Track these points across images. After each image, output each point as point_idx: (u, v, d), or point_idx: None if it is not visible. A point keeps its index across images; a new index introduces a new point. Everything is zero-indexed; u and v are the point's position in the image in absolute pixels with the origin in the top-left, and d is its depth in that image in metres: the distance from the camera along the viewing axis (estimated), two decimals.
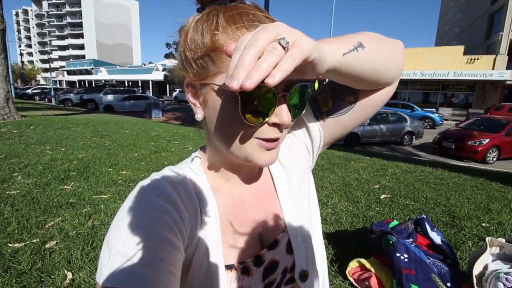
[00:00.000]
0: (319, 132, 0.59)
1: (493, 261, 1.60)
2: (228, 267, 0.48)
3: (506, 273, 1.44)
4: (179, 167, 0.52)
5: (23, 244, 2.36)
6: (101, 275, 0.35)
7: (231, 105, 0.41)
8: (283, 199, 0.56)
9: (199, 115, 0.48)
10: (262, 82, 0.31)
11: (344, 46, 0.42)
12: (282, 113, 0.41)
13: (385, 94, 0.56)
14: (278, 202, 0.56)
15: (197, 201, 0.48)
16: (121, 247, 0.37)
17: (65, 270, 2.08)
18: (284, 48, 0.31)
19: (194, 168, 0.52)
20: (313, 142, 0.61)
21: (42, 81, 71.72)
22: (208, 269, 0.45)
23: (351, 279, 1.96)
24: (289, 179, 0.58)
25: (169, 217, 0.41)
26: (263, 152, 0.45)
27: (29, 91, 29.24)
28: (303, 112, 0.47)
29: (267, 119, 0.41)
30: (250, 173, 0.55)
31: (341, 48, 0.41)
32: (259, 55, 0.30)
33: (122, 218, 0.40)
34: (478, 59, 20.82)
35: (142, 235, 0.38)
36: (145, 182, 0.46)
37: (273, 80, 0.29)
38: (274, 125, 0.43)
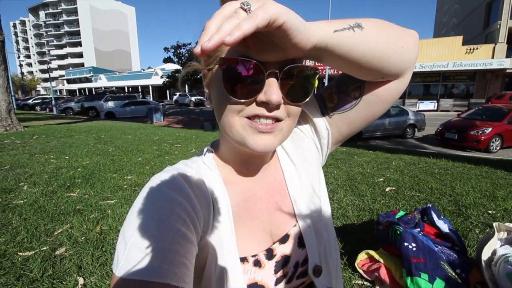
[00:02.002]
0: (326, 129, 0.58)
1: (501, 246, 1.61)
2: (241, 259, 0.48)
3: None
4: (192, 161, 0.53)
5: (33, 252, 2.38)
6: (117, 266, 0.37)
7: (220, 83, 0.42)
8: (293, 195, 0.56)
9: (207, 101, 0.50)
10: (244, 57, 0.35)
11: (337, 25, 0.40)
12: (270, 91, 0.40)
13: (393, 89, 0.52)
14: (288, 197, 0.56)
15: (210, 194, 0.48)
16: (136, 239, 0.38)
17: (76, 276, 2.10)
18: (246, 11, 0.31)
19: (206, 162, 0.53)
20: (321, 139, 0.60)
21: (42, 91, 72.06)
22: (223, 261, 0.46)
23: (360, 271, 1.96)
24: (299, 175, 0.58)
25: (183, 210, 0.42)
26: (255, 135, 0.43)
27: (30, 101, 29.44)
28: (307, 99, 0.45)
29: (255, 97, 0.41)
30: (261, 166, 0.56)
31: (332, 25, 0.40)
32: (223, 22, 0.31)
33: (137, 211, 0.41)
34: (477, 48, 20.70)
35: (156, 228, 0.38)
36: (159, 175, 0.47)
37: (230, 38, 0.29)
38: (263, 104, 0.42)
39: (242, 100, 0.41)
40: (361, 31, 0.42)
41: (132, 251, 0.37)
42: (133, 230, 0.39)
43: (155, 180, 0.45)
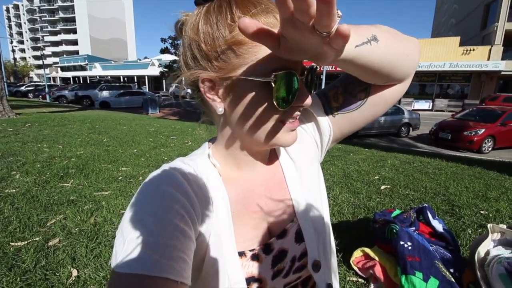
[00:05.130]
0: (328, 127, 0.60)
1: (494, 246, 1.63)
2: (239, 254, 0.49)
3: (507, 258, 1.47)
4: (190, 158, 0.53)
5: (26, 242, 2.36)
6: (116, 262, 0.37)
7: (260, 93, 0.43)
8: (292, 190, 0.57)
9: (220, 108, 0.47)
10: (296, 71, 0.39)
11: (357, 38, 0.41)
12: (304, 95, 0.45)
13: (397, 91, 0.55)
14: (288, 193, 0.57)
15: (208, 190, 0.48)
16: (134, 235, 0.38)
17: (70, 267, 2.08)
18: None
19: (204, 159, 0.53)
20: (322, 137, 0.61)
21: (35, 78, 70.69)
22: (222, 256, 0.47)
23: (355, 268, 1.99)
24: (299, 171, 0.59)
25: (181, 206, 0.42)
26: (288, 133, 0.48)
27: (22, 88, 28.83)
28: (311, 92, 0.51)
29: (292, 103, 0.44)
30: (260, 163, 0.56)
31: (354, 40, 0.41)
32: None
33: (135, 207, 0.41)
34: (473, 50, 20.82)
35: (155, 223, 0.38)
36: (157, 172, 0.46)
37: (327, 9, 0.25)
38: (298, 107, 0.46)
39: (286, 109, 0.44)
40: (377, 44, 0.44)
41: (130, 246, 0.37)
42: (131, 226, 0.39)
43: (153, 177, 0.45)
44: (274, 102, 0.42)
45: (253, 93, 0.44)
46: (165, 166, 0.49)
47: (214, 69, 0.45)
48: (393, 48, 0.47)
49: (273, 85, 0.41)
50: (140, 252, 0.36)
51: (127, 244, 0.37)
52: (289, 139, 0.48)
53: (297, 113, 0.48)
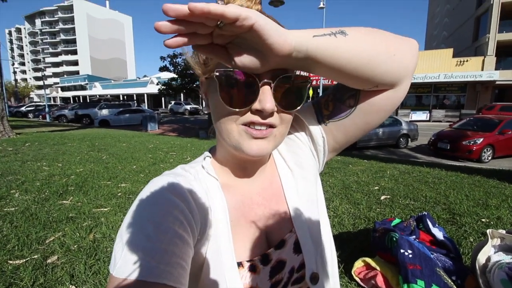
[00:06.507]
0: (321, 136, 0.59)
1: (495, 252, 1.62)
2: (237, 264, 0.48)
3: (508, 263, 1.46)
4: (190, 166, 0.54)
5: (24, 260, 2.33)
6: (114, 267, 0.37)
7: (217, 92, 0.44)
8: (290, 200, 0.56)
9: (205, 108, 0.53)
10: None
11: (318, 31, 0.41)
12: (265, 99, 0.42)
13: (389, 99, 0.51)
14: (285, 202, 0.56)
15: (207, 198, 0.49)
16: (133, 240, 0.38)
17: (69, 284, 2.05)
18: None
19: (204, 167, 0.54)
20: (317, 147, 0.60)
21: (36, 98, 71.23)
22: (220, 265, 0.46)
23: (357, 279, 1.96)
24: (296, 180, 0.58)
25: (180, 213, 0.42)
26: (250, 140, 0.45)
27: (23, 108, 29.12)
28: (299, 106, 0.47)
29: (250, 106, 0.44)
30: (258, 171, 0.56)
31: (312, 31, 0.41)
32: None
33: (135, 213, 0.41)
34: (467, 61, 21.25)
35: (153, 229, 0.39)
36: (157, 179, 0.47)
37: (194, 6, 0.30)
38: (258, 112, 0.44)
39: (237, 110, 0.43)
40: (345, 37, 0.42)
41: (129, 252, 0.37)
42: (131, 231, 0.39)
43: (153, 183, 0.46)
44: (220, 98, 0.43)
45: (215, 92, 0.45)
46: (166, 173, 0.49)
47: (203, 72, 0.50)
48: (371, 44, 0.44)
49: (216, 80, 0.42)
50: (138, 257, 0.36)
51: (126, 249, 0.37)
52: (253, 147, 0.45)
53: (260, 120, 0.44)
